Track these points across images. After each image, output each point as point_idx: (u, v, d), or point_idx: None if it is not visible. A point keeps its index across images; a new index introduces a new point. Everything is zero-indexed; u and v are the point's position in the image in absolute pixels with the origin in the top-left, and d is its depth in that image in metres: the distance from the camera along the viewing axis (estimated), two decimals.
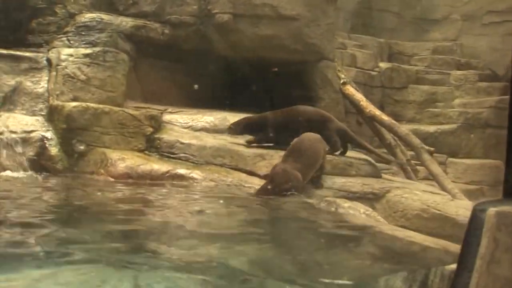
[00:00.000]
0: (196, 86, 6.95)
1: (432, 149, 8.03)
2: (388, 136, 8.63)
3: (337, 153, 6.14)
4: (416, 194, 5.46)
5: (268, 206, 4.79)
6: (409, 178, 8.26)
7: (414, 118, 10.59)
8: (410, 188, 5.73)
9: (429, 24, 12.28)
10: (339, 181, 5.72)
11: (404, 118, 10.49)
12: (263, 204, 4.87)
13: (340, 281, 2.75)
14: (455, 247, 3.89)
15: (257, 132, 6.18)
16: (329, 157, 6.10)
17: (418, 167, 8.80)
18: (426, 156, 7.88)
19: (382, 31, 12.15)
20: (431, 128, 10.09)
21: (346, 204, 4.74)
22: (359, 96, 8.76)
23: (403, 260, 3.35)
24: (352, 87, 8.92)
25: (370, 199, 5.57)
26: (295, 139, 5.49)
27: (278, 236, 3.84)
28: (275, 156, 5.90)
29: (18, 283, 2.52)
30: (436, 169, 7.71)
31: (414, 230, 4.60)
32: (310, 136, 5.51)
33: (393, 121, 8.45)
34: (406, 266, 3.13)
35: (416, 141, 8.11)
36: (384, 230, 3.97)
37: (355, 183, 5.73)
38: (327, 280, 2.81)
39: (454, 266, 2.03)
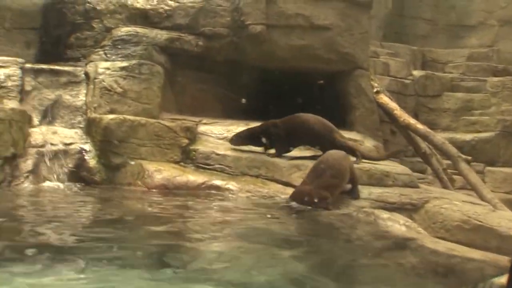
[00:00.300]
0: (244, 100, 6.99)
1: (469, 158, 7.88)
2: (423, 145, 8.51)
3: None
4: (456, 205, 5.34)
5: (304, 217, 4.76)
6: (445, 187, 8.11)
7: (450, 127, 10.42)
8: (450, 199, 5.61)
9: (464, 30, 12.09)
10: (376, 192, 5.65)
11: (439, 127, 10.33)
12: (299, 216, 4.84)
13: None
14: (499, 259, 3.81)
15: (259, 142, 6.17)
16: (365, 167, 6.05)
17: (454, 176, 8.65)
18: (463, 165, 7.73)
19: (415, 39, 12.03)
20: (468, 137, 9.91)
21: (385, 215, 4.68)
22: (393, 105, 8.67)
23: (448, 273, 3.28)
24: (386, 96, 8.83)
25: (408, 209, 5.48)
26: (319, 158, 5.43)
27: (317, 247, 3.80)
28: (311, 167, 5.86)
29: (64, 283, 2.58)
30: (474, 178, 7.54)
31: (454, 242, 4.51)
32: (334, 155, 5.41)
33: (428, 130, 8.33)
34: (451, 279, 3.07)
35: (452, 150, 7.97)
36: (426, 243, 3.90)
37: (392, 194, 5.65)
38: None
39: (503, 279, 1.97)
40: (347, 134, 7.04)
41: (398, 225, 4.50)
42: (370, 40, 9.57)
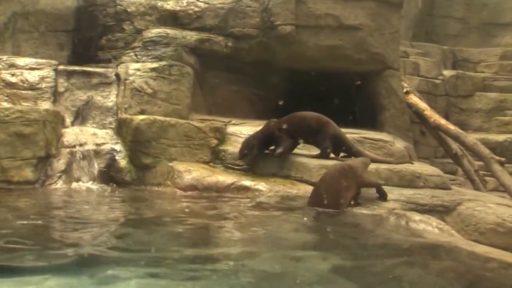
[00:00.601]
0: (281, 102, 6.95)
1: (502, 159, 7.71)
2: (454, 146, 8.37)
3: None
4: (490, 207, 5.23)
5: (335, 219, 4.72)
6: (477, 189, 7.97)
7: (482, 127, 10.23)
8: (483, 201, 5.49)
9: (496, 29, 11.86)
10: (406, 193, 5.56)
11: (471, 127, 10.15)
12: (329, 217, 4.80)
13: None
14: None
15: (269, 145, 6.10)
16: (396, 168, 5.98)
17: (486, 178, 8.49)
18: (496, 167, 7.58)
19: (446, 38, 11.85)
20: (501, 137, 9.70)
21: (417, 217, 4.60)
22: (423, 106, 8.56)
23: (484, 277, 3.20)
24: (416, 96, 8.72)
25: (440, 212, 5.38)
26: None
27: (349, 249, 3.76)
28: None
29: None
30: (508, 180, 7.38)
31: (488, 245, 4.40)
32: (331, 173, 5.14)
33: (460, 130, 8.19)
34: (488, 283, 3.00)
35: (485, 150, 7.81)
36: (460, 245, 3.82)
37: (423, 195, 5.55)
38: None
39: None
40: (377, 135, 6.98)
41: (430, 227, 4.43)
42: (400, 40, 9.47)
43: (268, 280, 2.91)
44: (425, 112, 8.41)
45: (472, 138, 8.11)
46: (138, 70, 6.80)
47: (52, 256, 3.12)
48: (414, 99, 8.58)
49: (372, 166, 5.89)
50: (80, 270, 2.89)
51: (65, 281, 2.74)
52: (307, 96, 7.14)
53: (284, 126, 6.02)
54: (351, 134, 6.79)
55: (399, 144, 6.88)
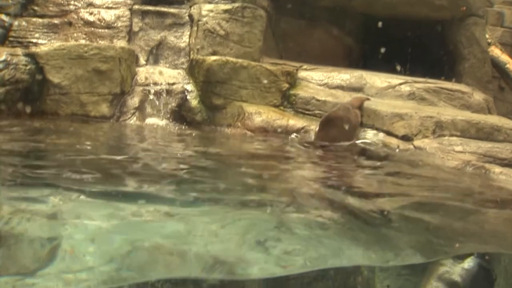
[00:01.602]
0: (382, 50, 6.69)
1: None
2: None
3: None
4: None
5: (408, 162, 4.62)
6: None
7: None
8: None
9: None
10: (484, 146, 5.34)
11: None
12: (404, 162, 4.71)
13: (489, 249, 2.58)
14: None
15: None
16: (474, 119, 5.74)
17: None
18: None
19: None
20: None
21: (497, 169, 4.40)
22: (505, 58, 8.12)
23: None
24: (497, 48, 8.27)
25: None
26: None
27: (428, 198, 3.66)
28: (415, 117, 5.65)
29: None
30: None
31: None
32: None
33: None
34: None
35: None
36: None
37: (503, 149, 5.31)
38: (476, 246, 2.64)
39: None
40: (454, 86, 6.70)
41: None
42: None
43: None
44: (507, 66, 7.98)
45: None
46: (211, 11, 6.76)
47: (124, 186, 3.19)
48: (495, 51, 8.14)
49: (448, 117, 5.70)
50: (153, 199, 2.95)
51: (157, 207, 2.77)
52: (382, 44, 6.89)
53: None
54: (427, 84, 6.56)
55: (478, 96, 6.57)
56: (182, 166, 3.86)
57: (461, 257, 3.00)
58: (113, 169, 3.50)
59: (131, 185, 3.16)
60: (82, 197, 2.75)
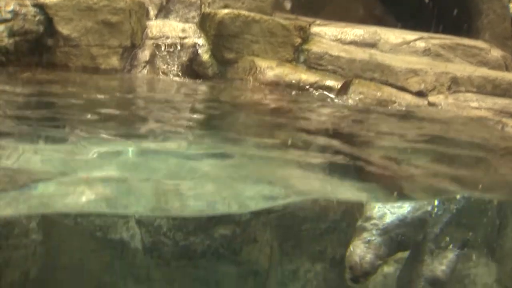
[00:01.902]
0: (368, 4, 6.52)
1: None
2: None
3: None
4: None
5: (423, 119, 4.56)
6: None
7: None
8: None
9: None
10: (501, 102, 5.26)
11: None
12: (416, 120, 4.65)
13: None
14: None
15: None
16: (491, 75, 5.64)
17: None
18: None
19: None
20: None
21: None
22: None
23: None
24: None
25: None
26: None
27: (438, 148, 3.63)
28: (430, 73, 5.56)
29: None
30: None
31: None
32: None
33: None
34: None
35: None
36: None
37: None
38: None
39: None
40: (471, 42, 6.56)
41: None
42: None
43: None
44: None
45: None
46: None
47: (135, 129, 3.23)
48: None
49: (464, 73, 5.61)
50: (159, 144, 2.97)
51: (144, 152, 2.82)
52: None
53: None
54: (442, 40, 6.44)
55: (496, 53, 6.43)
56: (191, 113, 3.85)
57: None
58: (123, 113, 3.50)
59: (139, 127, 3.17)
60: (95, 138, 2.75)
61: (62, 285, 3.67)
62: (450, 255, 4.03)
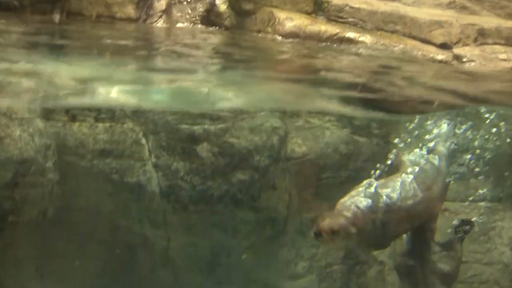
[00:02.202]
0: None
1: None
2: None
3: None
4: None
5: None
6: None
7: None
8: None
9: None
10: None
11: None
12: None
13: None
14: None
15: None
16: None
17: None
18: None
19: None
20: None
21: None
22: None
23: None
24: None
25: None
26: None
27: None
28: (455, 24, 5.38)
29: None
30: None
31: None
32: None
33: None
34: None
35: None
36: None
37: None
38: None
39: None
40: None
41: None
42: None
43: None
44: None
45: None
46: None
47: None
48: None
49: (492, 25, 5.43)
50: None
51: None
52: None
53: None
54: None
55: None
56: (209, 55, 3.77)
57: None
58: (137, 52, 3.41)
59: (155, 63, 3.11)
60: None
61: (78, 227, 3.64)
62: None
